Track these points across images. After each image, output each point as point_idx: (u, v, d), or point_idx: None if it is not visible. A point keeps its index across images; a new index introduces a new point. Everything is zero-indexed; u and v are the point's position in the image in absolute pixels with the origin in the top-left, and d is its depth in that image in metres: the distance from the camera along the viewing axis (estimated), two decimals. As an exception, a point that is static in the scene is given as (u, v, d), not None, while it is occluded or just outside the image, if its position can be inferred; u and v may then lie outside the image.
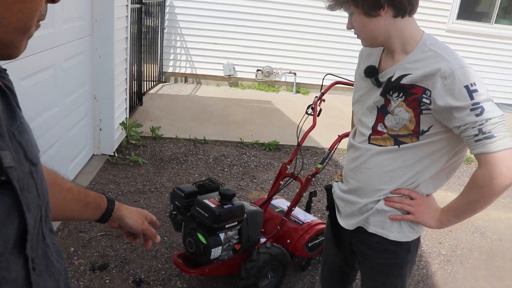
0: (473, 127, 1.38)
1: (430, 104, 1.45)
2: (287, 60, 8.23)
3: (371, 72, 1.63)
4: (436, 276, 3.37)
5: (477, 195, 1.46)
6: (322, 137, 5.49)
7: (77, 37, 3.79)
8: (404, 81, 1.51)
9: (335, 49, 8.08)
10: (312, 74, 8.14)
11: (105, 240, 3.22)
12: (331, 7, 1.58)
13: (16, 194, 0.64)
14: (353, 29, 1.59)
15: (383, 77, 1.59)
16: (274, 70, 8.26)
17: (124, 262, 3.01)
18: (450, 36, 8.04)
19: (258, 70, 8.27)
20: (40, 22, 0.66)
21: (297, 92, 8.37)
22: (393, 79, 1.55)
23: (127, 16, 4.83)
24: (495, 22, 8.43)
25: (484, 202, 1.47)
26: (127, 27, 4.87)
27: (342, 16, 1.67)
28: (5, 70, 0.73)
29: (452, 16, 8.21)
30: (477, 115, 1.37)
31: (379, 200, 1.65)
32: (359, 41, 1.63)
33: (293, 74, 8.31)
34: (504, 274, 3.51)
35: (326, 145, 5.48)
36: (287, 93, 8.31)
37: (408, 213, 1.63)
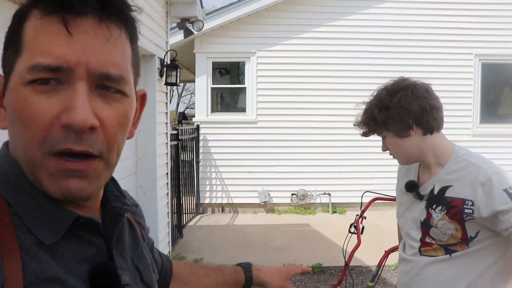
0: None
1: (472, 213, 1.50)
2: (320, 181, 8.34)
3: (411, 187, 1.72)
4: None
5: None
6: (365, 256, 5.36)
7: (123, 176, 4.01)
8: (447, 194, 1.58)
9: (367, 166, 8.19)
10: (346, 193, 8.16)
11: None
12: (365, 134, 1.74)
13: None
14: (388, 151, 1.71)
15: (423, 190, 1.67)
16: (309, 193, 8.35)
17: None
18: (476, 140, 8.12)
19: (292, 194, 8.36)
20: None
21: (334, 212, 8.35)
22: (435, 192, 1.62)
23: (167, 153, 5.11)
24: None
25: None
26: (167, 163, 5.14)
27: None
28: (137, 206, 0.86)
29: (475, 121, 8.41)
30: None
31: None
32: (390, 157, 1.75)
33: (327, 195, 8.37)
34: None
35: (370, 263, 5.34)
36: (323, 214, 8.29)
37: None
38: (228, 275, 1.18)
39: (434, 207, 1.61)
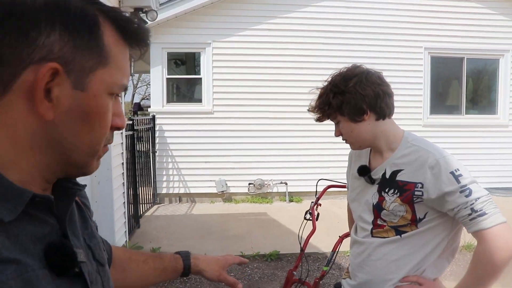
0: (465, 207, 1.51)
1: (422, 195, 1.59)
2: (277, 171, 8.46)
3: (363, 171, 1.79)
4: None
5: (482, 271, 1.54)
6: (321, 242, 5.51)
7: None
8: (399, 177, 1.66)
9: (323, 155, 8.37)
10: (303, 182, 8.31)
11: None
12: (319, 119, 1.77)
13: (86, 285, 0.74)
14: (341, 136, 1.76)
15: (375, 175, 1.75)
16: (266, 182, 8.44)
17: None
18: (427, 130, 8.52)
19: (250, 184, 8.44)
20: None
21: (290, 201, 8.49)
22: (387, 176, 1.70)
23: (122, 143, 5.06)
24: (466, 113, 9.04)
25: (490, 277, 1.53)
26: (122, 153, 5.08)
27: (326, 124, 1.88)
28: (85, 186, 0.85)
29: (425, 112, 8.79)
30: (466, 196, 1.51)
31: None
32: (345, 146, 1.80)
33: (284, 184, 8.50)
34: None
35: (327, 249, 5.48)
36: (280, 203, 8.42)
37: None
38: (167, 262, 1.22)
39: (386, 190, 1.69)
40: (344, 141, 1.78)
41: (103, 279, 0.83)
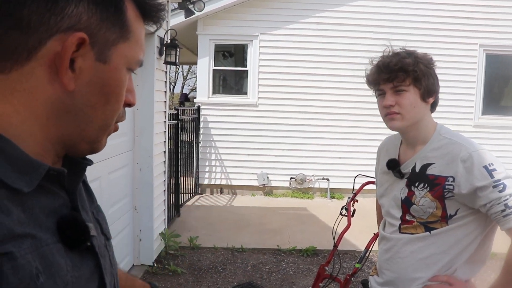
0: (498, 203, 1.44)
1: (453, 189, 1.52)
2: (319, 166, 8.37)
3: (393, 165, 1.73)
4: None
5: None
6: (359, 240, 5.41)
7: (120, 151, 4.06)
8: (429, 171, 1.59)
9: (366, 153, 8.17)
10: (345, 179, 8.13)
11: None
12: (386, 80, 1.61)
13: (97, 259, 0.75)
14: (391, 106, 1.61)
15: (405, 168, 1.69)
16: (307, 177, 8.38)
17: None
18: (478, 131, 8.10)
19: (291, 178, 8.40)
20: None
21: (332, 197, 8.39)
22: (417, 170, 1.63)
23: (165, 131, 5.14)
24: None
25: None
26: (165, 141, 5.16)
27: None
28: (92, 162, 0.83)
29: (477, 112, 8.40)
30: (500, 191, 1.44)
31: None
32: None
33: (326, 180, 8.40)
34: None
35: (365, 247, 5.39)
36: (321, 199, 8.34)
37: None
38: None
39: (416, 184, 1.63)
40: (388, 115, 1.63)
41: (110, 253, 0.83)
